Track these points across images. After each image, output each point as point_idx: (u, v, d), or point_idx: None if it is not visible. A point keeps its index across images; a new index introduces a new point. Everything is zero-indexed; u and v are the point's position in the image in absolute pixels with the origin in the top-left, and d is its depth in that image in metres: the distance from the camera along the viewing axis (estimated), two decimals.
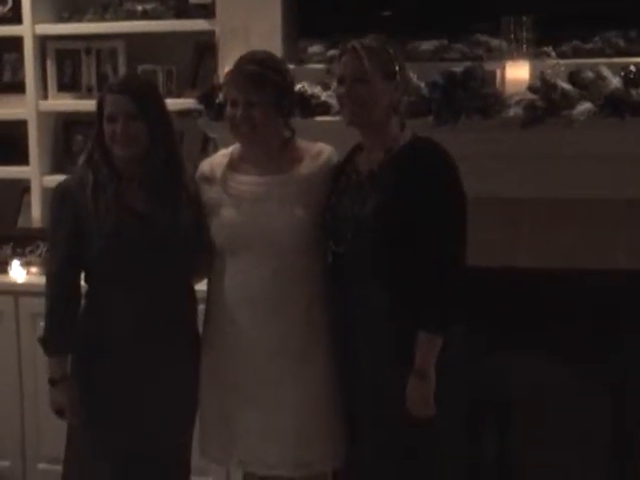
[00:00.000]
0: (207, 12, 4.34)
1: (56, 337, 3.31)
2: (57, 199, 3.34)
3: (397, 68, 3.13)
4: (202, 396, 3.38)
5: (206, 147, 4.40)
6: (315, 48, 4.11)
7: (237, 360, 3.27)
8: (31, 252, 4.61)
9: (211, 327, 3.36)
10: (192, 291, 3.41)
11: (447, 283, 3.05)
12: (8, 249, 4.67)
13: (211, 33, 4.30)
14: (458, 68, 3.75)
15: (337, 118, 3.58)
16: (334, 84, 3.35)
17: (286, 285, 3.22)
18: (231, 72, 3.26)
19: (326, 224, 3.21)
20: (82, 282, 3.33)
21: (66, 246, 3.27)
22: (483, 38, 3.92)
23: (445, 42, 3.96)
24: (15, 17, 4.62)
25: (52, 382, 3.32)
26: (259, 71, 3.17)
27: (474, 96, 3.68)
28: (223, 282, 3.29)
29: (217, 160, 3.38)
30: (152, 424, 3.31)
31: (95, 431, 3.29)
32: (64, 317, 3.30)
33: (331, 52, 3.94)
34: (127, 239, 3.23)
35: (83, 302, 3.33)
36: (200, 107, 3.98)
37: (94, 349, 3.29)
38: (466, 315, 3.12)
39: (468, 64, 3.77)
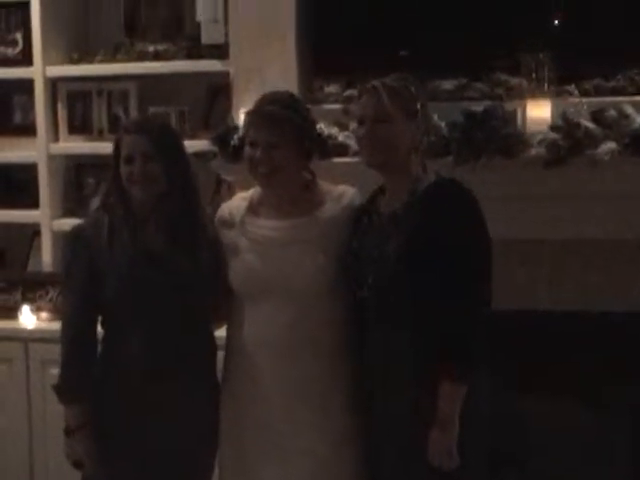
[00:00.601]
0: (220, 52, 4.29)
1: (71, 385, 3.21)
2: (72, 242, 3.27)
3: (419, 107, 3.06)
4: (222, 444, 3.29)
5: (219, 190, 4.33)
6: (331, 88, 4.07)
7: (256, 409, 3.18)
8: (41, 297, 4.53)
9: (230, 374, 3.27)
10: (211, 336, 3.33)
11: (472, 327, 2.95)
12: (18, 294, 4.59)
13: (224, 74, 4.25)
14: (478, 107, 3.70)
15: (355, 159, 3.53)
16: (352, 124, 3.29)
17: (307, 332, 3.14)
18: (251, 112, 3.19)
19: (348, 267, 3.13)
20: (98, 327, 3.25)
21: (81, 290, 3.19)
22: (503, 77, 3.87)
23: (464, 81, 3.92)
24: (26, 59, 4.58)
25: (68, 432, 3.22)
26: (279, 111, 3.11)
27: (495, 136, 3.62)
28: (242, 328, 3.21)
29: (235, 204, 3.31)
30: (171, 474, 3.21)
31: None
32: (80, 363, 3.20)
33: (348, 92, 3.89)
34: (143, 282, 3.15)
35: (99, 348, 3.25)
36: (214, 149, 3.92)
37: (110, 396, 3.19)
38: (489, 361, 3.03)
39: (488, 103, 3.73)
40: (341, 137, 3.81)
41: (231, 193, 3.80)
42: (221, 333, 3.34)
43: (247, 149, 3.17)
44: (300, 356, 3.14)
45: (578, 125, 3.55)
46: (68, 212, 4.62)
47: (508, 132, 3.63)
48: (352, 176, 3.35)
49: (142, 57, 4.50)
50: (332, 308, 3.16)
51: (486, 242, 3.01)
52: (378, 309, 3.07)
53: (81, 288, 3.19)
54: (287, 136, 3.10)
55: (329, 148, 3.78)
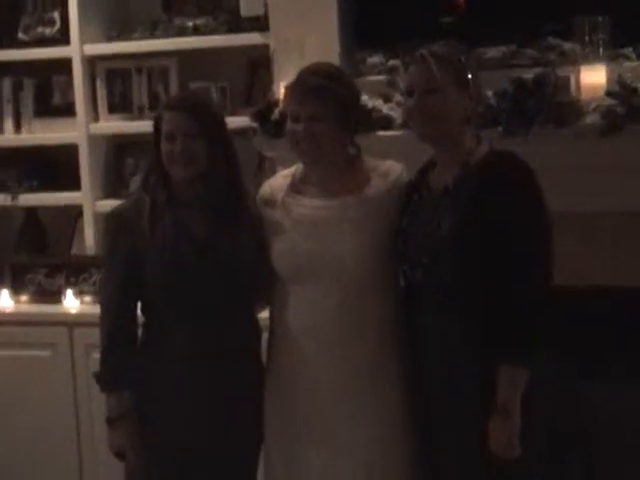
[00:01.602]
0: (260, 25, 4.16)
1: (112, 372, 3.13)
2: (112, 225, 3.17)
3: (470, 76, 2.91)
4: (266, 432, 3.18)
5: (262, 167, 4.22)
6: (375, 59, 3.93)
7: (302, 395, 3.06)
8: (85, 280, 4.46)
9: (275, 359, 3.16)
10: (255, 319, 3.23)
11: (532, 308, 2.79)
12: (61, 278, 4.53)
13: (265, 47, 4.13)
14: (528, 75, 3.54)
15: (400, 132, 3.40)
16: (396, 96, 3.15)
17: (354, 315, 3.01)
18: (292, 85, 3.07)
19: (397, 248, 2.98)
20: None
21: (122, 274, 3.09)
22: (555, 41, 3.69)
23: (514, 47, 3.75)
24: (64, 38, 4.49)
25: (109, 421, 3.14)
26: (323, 83, 2.97)
27: (547, 104, 3.46)
28: (286, 311, 3.09)
29: (278, 182, 3.19)
30: (216, 463, 3.12)
31: (155, 474, 3.11)
32: (120, 350, 3.11)
33: (392, 62, 3.76)
34: (185, 265, 3.05)
35: (140, 334, 3.16)
36: (255, 125, 3.80)
37: (153, 383, 3.10)
38: (551, 341, 2.88)
39: (539, 70, 3.56)
40: (385, 109, 3.67)
41: (274, 170, 3.68)
42: (265, 315, 3.23)
43: (288, 123, 3.05)
44: (346, 342, 3.01)
45: (635, 90, 3.39)
46: (110, 193, 4.54)
47: (561, 100, 3.47)
48: (397, 150, 3.22)
49: (181, 32, 4.38)
50: (380, 290, 3.03)
51: (546, 217, 2.85)
52: (431, 291, 2.92)
53: (122, 272, 3.10)
54: (330, 109, 2.96)
55: (373, 121, 3.64)
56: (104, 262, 3.20)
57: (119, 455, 3.14)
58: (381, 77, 3.83)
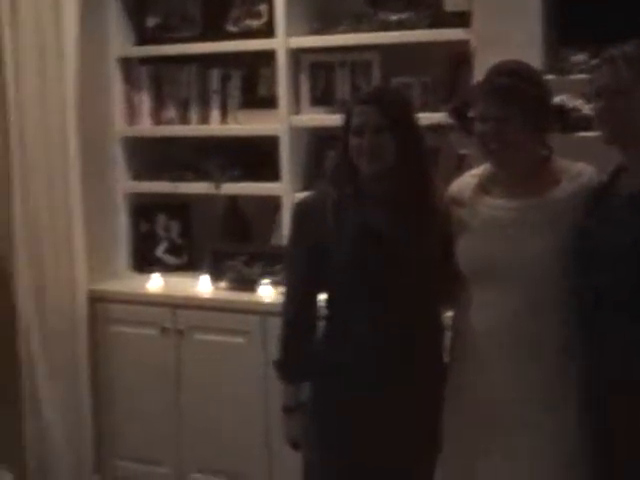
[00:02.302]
0: (463, 20, 4.10)
1: (291, 362, 3.17)
2: (297, 216, 3.21)
3: None
4: (446, 432, 3.13)
5: (462, 165, 4.15)
6: (579, 57, 3.79)
7: (482, 401, 3.00)
8: (281, 271, 4.50)
9: (455, 361, 3.11)
10: (438, 318, 3.18)
11: None
12: (259, 267, 4.60)
13: (467, 43, 4.05)
14: None
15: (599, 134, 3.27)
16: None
17: (538, 320, 2.93)
18: (480, 85, 3.01)
19: (582, 254, 2.88)
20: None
21: (304, 265, 3.13)
22: None
23: None
24: (269, 30, 4.55)
25: (286, 410, 3.18)
26: (510, 83, 2.90)
27: None
28: (468, 312, 3.04)
29: (465, 181, 3.14)
30: (392, 460, 3.09)
31: (332, 467, 3.11)
32: (300, 341, 3.16)
33: (594, 61, 3.61)
34: (367, 261, 3.04)
35: (322, 326, 3.17)
36: (451, 121, 3.74)
37: (332, 376, 3.11)
38: None
39: None
40: (586, 110, 3.54)
41: (471, 168, 3.61)
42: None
43: (477, 124, 2.99)
44: (531, 346, 2.93)
45: None
46: (309, 185, 4.56)
47: None
48: (596, 152, 3.07)
49: (385, 27, 4.36)
50: (562, 296, 2.92)
51: None
52: (616, 300, 2.80)
53: (304, 264, 3.13)
54: (517, 109, 2.89)
55: (571, 121, 3.52)
56: (287, 252, 3.23)
57: (294, 445, 3.17)
58: (584, 76, 3.70)
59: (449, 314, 3.18)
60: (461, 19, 4.11)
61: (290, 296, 3.18)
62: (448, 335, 3.17)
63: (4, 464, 4.67)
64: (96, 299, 4.75)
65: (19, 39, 4.53)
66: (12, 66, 4.54)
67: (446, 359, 3.16)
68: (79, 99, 4.62)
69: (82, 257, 4.69)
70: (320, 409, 3.14)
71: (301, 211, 3.19)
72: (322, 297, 3.16)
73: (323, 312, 3.17)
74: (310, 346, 3.15)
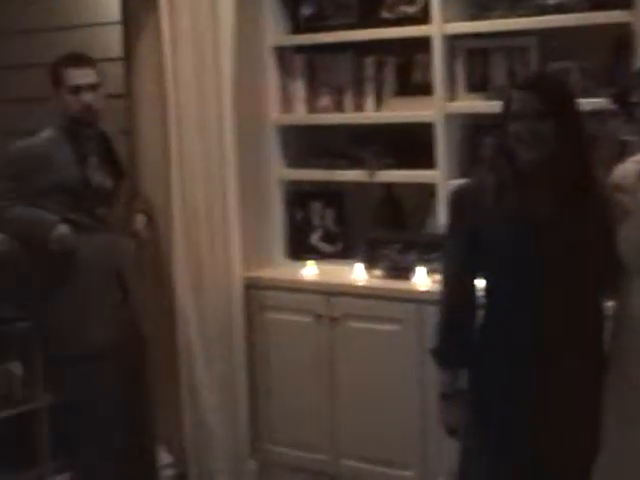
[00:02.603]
0: (625, 2, 3.98)
1: (448, 349, 3.17)
2: (454, 203, 3.20)
3: None
4: (607, 423, 3.06)
5: (623, 151, 4.04)
6: None
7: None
8: (436, 259, 4.47)
9: (620, 352, 3.04)
10: (599, 308, 3.11)
11: None
12: (414, 255, 4.58)
13: (629, 25, 3.94)
14: None
15: None
16: None
17: None
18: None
19: None
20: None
21: (462, 253, 3.11)
22: None
23: None
24: (424, 17, 4.51)
25: (443, 397, 3.19)
26: None
27: None
28: (630, 301, 2.96)
29: (628, 167, 3.07)
30: (551, 448, 3.04)
31: (490, 455, 3.08)
32: (457, 328, 3.15)
33: None
34: (527, 248, 2.99)
35: (481, 314, 3.14)
36: (613, 107, 3.65)
37: (490, 365, 3.09)
38: None
39: None
40: None
41: (633, 154, 3.52)
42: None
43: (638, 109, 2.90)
44: None
45: None
46: (464, 172, 4.51)
47: None
48: None
49: (542, 11, 4.26)
50: None
51: None
52: None
53: (462, 251, 3.11)
54: None
55: None
56: (445, 239, 3.22)
57: (450, 431, 3.16)
58: None
59: (610, 303, 3.11)
60: (622, 0, 4.00)
61: (448, 283, 3.18)
62: (608, 325, 3.10)
63: (164, 446, 4.78)
64: (251, 286, 4.82)
65: (176, 27, 4.62)
66: (170, 55, 4.63)
67: (607, 349, 3.09)
68: (235, 87, 4.68)
69: (238, 245, 4.75)
70: (479, 396, 3.11)
71: (459, 198, 3.17)
72: (481, 284, 3.13)
73: (482, 299, 3.13)
74: (468, 333, 3.13)
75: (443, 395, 3.18)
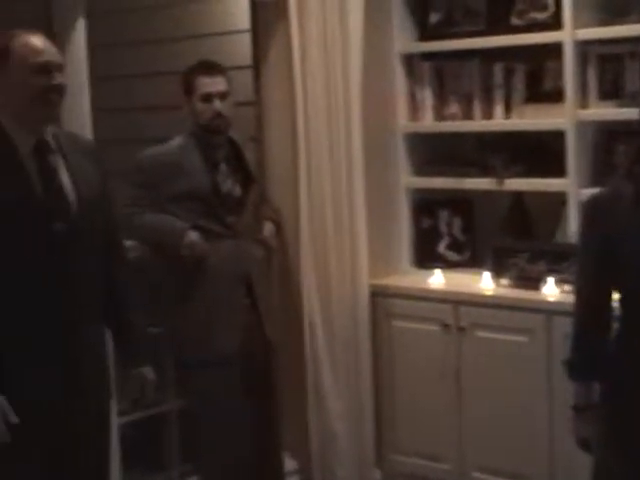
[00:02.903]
0: None
1: (581, 361, 3.11)
2: (588, 213, 3.13)
3: None
4: None
5: None
6: None
7: None
8: (566, 269, 4.40)
9: None
10: None
11: None
12: (543, 265, 4.51)
13: None
14: None
15: None
16: None
17: None
18: None
19: None
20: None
21: (596, 263, 3.04)
22: None
23: None
24: (555, 23, 4.45)
25: (575, 409, 3.13)
26: None
27: None
28: None
29: None
30: None
31: (625, 471, 3.00)
32: (591, 340, 3.08)
33: None
34: None
35: (615, 325, 3.07)
36: None
37: (626, 377, 3.01)
38: None
39: None
40: None
41: None
42: None
43: None
44: None
45: None
46: (596, 181, 4.43)
47: None
48: None
49: None
50: None
51: None
52: None
53: (595, 262, 3.04)
54: None
55: None
56: (578, 249, 3.16)
57: (585, 446, 3.10)
58: None
59: None
60: None
61: (581, 294, 3.12)
62: None
63: (289, 452, 4.80)
64: (378, 294, 4.81)
65: (306, 35, 4.64)
66: (299, 62, 4.65)
67: None
68: (363, 95, 4.68)
69: (364, 252, 4.74)
70: (614, 409, 3.04)
71: (593, 207, 3.10)
72: (616, 296, 3.06)
73: (616, 311, 3.07)
74: (602, 346, 3.07)
75: (576, 407, 3.12)
